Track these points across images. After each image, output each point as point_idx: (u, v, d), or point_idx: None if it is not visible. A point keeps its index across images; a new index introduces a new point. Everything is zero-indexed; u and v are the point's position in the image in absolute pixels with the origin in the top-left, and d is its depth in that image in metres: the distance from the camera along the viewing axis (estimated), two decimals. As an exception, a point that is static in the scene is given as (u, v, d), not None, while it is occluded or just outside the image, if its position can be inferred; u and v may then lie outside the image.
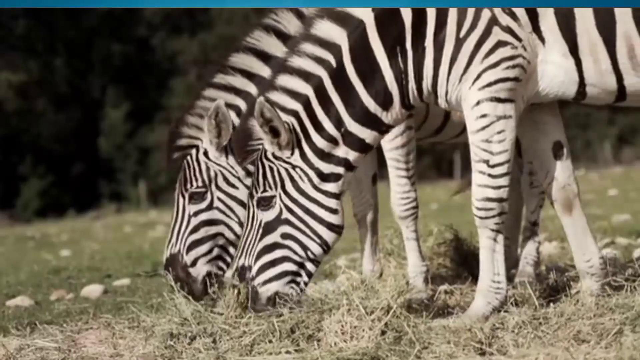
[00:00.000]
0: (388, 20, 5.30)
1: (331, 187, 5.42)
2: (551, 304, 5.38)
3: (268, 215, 5.41)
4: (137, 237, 17.96)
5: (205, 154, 6.34)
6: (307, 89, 5.38)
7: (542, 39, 5.22)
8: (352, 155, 5.42)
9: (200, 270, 6.27)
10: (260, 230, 5.40)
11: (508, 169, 5.30)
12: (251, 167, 5.73)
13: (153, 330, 5.32)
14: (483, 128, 5.25)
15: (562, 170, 5.51)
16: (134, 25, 45.33)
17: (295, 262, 5.39)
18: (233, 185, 6.32)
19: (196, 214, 6.32)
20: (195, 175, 6.33)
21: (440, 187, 25.88)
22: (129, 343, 5.44)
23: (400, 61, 5.31)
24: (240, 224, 6.19)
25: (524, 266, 7.04)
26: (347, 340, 4.85)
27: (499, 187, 5.31)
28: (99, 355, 5.33)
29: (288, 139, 5.35)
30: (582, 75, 5.24)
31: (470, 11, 5.22)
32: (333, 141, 5.39)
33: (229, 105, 6.25)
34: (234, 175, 6.31)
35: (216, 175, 6.33)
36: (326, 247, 5.43)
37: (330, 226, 5.41)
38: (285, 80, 5.40)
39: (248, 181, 6.15)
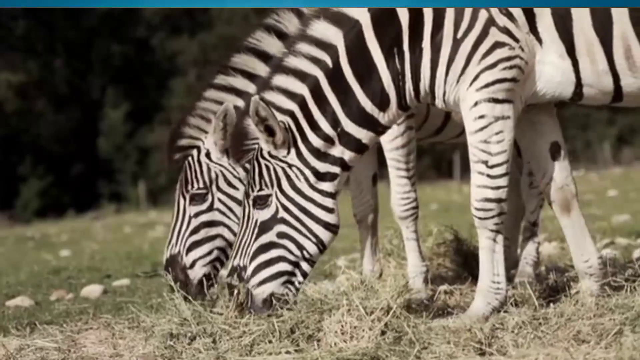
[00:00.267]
0: (385, 21, 5.30)
1: (327, 186, 5.42)
2: (551, 304, 5.38)
3: (264, 215, 5.41)
4: (137, 238, 17.96)
5: (207, 155, 6.34)
6: (303, 89, 5.38)
7: (539, 40, 5.23)
8: (347, 155, 5.42)
9: (198, 272, 6.27)
10: (256, 230, 5.40)
11: (507, 170, 5.30)
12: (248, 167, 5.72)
13: (153, 330, 5.32)
14: (481, 129, 5.26)
15: (560, 170, 5.51)
16: (133, 26, 45.34)
17: (291, 262, 5.38)
18: (234, 187, 6.32)
19: (197, 215, 6.32)
20: (196, 176, 6.33)
21: (440, 187, 25.90)
22: (129, 343, 5.44)
23: (397, 62, 5.32)
24: (241, 226, 6.18)
25: (523, 266, 7.05)
26: (347, 340, 4.85)
27: (498, 188, 5.31)
28: (99, 356, 5.33)
29: (284, 138, 5.35)
30: (579, 75, 5.25)
31: (468, 12, 5.22)
32: (329, 140, 5.39)
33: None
34: (235, 176, 6.31)
35: (217, 176, 6.33)
36: (322, 246, 5.42)
37: (326, 225, 5.41)
38: (281, 80, 5.40)
39: (249, 182, 6.14)
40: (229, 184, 6.31)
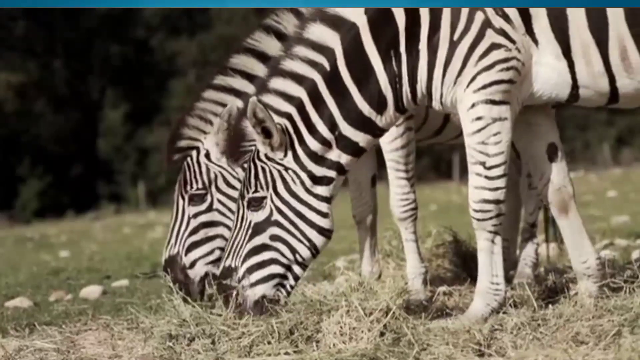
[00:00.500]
0: (382, 24, 5.30)
1: (323, 190, 5.42)
2: (550, 306, 5.39)
3: (258, 216, 5.40)
4: (136, 238, 17.96)
5: (207, 155, 6.34)
6: (300, 92, 5.38)
7: (535, 41, 5.24)
8: (344, 158, 5.42)
9: (198, 272, 6.27)
10: (249, 231, 5.39)
11: (505, 171, 5.31)
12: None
13: (152, 331, 5.32)
14: (479, 130, 5.26)
15: (557, 172, 5.52)
16: (132, 27, 45.35)
17: (283, 265, 5.37)
18: (233, 187, 6.32)
19: (196, 215, 6.32)
20: (195, 177, 6.33)
21: (439, 188, 25.91)
22: (128, 344, 5.44)
23: (394, 64, 5.32)
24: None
25: (522, 267, 7.05)
26: (346, 341, 4.85)
27: (496, 189, 5.31)
28: (98, 357, 5.33)
29: (281, 141, 5.35)
30: (575, 77, 5.26)
31: (464, 14, 5.23)
32: (326, 144, 5.39)
33: (229, 107, 6.26)
34: (234, 177, 6.32)
35: (216, 177, 6.33)
36: (315, 250, 5.42)
37: (320, 230, 5.40)
38: (278, 83, 5.40)
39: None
40: (228, 184, 6.32)
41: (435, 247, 7.40)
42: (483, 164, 5.29)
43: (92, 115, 43.27)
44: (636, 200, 16.43)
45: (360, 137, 5.40)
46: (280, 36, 6.17)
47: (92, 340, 5.62)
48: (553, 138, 5.54)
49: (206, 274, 6.29)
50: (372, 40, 5.31)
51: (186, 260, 6.29)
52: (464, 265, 7.21)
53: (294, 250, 5.37)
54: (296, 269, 5.40)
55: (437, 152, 37.25)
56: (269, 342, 4.96)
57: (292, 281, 5.40)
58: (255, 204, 5.39)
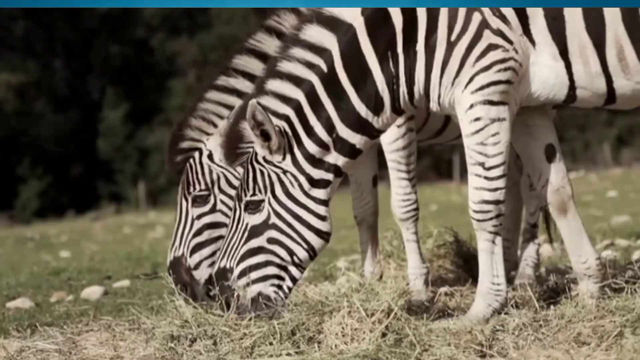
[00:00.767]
0: (379, 25, 5.30)
1: (321, 193, 5.42)
2: (551, 306, 5.39)
3: (255, 219, 5.40)
4: (137, 238, 17.97)
5: (209, 156, 6.34)
6: (298, 94, 5.38)
7: (532, 42, 5.24)
8: (341, 161, 5.43)
9: (204, 273, 6.27)
10: (246, 234, 5.39)
11: (504, 171, 5.31)
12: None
13: (153, 332, 5.32)
14: (477, 131, 5.26)
15: (556, 172, 5.52)
16: (132, 27, 45.35)
17: (279, 266, 5.37)
18: (236, 188, 6.31)
19: (199, 217, 6.32)
20: (198, 178, 6.33)
21: (439, 188, 25.91)
22: (130, 345, 5.44)
23: (391, 66, 5.31)
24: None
25: (523, 268, 7.05)
26: (348, 342, 4.85)
27: (496, 190, 5.31)
28: (100, 357, 5.33)
29: (279, 144, 5.35)
30: (572, 77, 5.26)
31: (461, 15, 5.23)
32: (324, 147, 5.39)
33: (231, 108, 6.25)
34: (236, 177, 6.31)
35: (219, 177, 6.33)
36: (313, 253, 5.42)
37: (318, 232, 5.41)
38: (276, 84, 5.39)
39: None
40: (231, 185, 6.31)
41: (436, 247, 7.39)
42: (482, 164, 5.29)
43: (92, 115, 43.27)
44: (636, 200, 16.43)
45: (357, 139, 5.40)
46: (281, 37, 6.17)
47: (93, 341, 5.62)
48: (551, 139, 5.54)
49: (211, 276, 6.28)
50: (369, 41, 5.31)
51: (191, 261, 6.29)
52: (465, 265, 7.21)
53: (291, 253, 5.38)
54: (293, 270, 5.40)
55: (438, 153, 37.27)
56: (271, 343, 4.96)
57: (289, 282, 5.39)
58: (253, 206, 5.39)
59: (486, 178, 5.30)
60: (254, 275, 5.34)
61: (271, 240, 5.37)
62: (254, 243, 5.37)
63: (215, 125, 6.36)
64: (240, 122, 5.45)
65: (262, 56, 6.23)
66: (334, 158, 5.40)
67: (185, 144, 6.39)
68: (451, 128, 6.74)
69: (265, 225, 5.38)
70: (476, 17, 5.21)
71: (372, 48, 5.31)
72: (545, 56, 5.24)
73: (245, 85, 6.29)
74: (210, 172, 6.33)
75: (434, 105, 5.38)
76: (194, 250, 6.29)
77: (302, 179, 5.39)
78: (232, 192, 6.30)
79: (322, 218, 5.41)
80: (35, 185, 40.31)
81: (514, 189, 7.07)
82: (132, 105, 42.95)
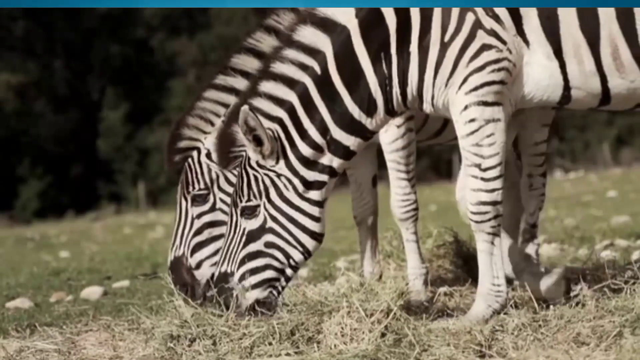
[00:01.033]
0: (372, 26, 5.30)
1: (315, 195, 5.43)
2: (551, 307, 5.39)
3: (252, 224, 5.42)
4: (137, 239, 17.97)
5: (208, 155, 6.33)
6: (291, 96, 5.38)
7: (526, 42, 5.24)
8: (336, 162, 5.43)
9: (205, 272, 6.27)
10: (244, 238, 5.42)
11: (500, 172, 5.31)
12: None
13: (153, 332, 5.32)
14: (472, 132, 5.26)
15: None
16: (132, 27, 45.33)
17: (277, 269, 5.43)
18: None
19: (199, 216, 6.32)
20: (197, 177, 6.33)
21: (438, 188, 25.89)
22: (129, 345, 5.44)
23: (384, 67, 5.31)
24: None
25: (523, 268, 7.03)
26: (347, 342, 4.85)
27: (493, 190, 5.32)
28: (99, 357, 5.33)
29: (271, 148, 5.36)
30: (567, 77, 5.26)
31: (455, 15, 5.23)
32: (318, 149, 5.39)
33: (229, 107, 6.24)
34: (235, 176, 6.30)
35: (218, 176, 6.33)
36: (307, 255, 5.48)
37: (312, 234, 5.43)
38: (269, 86, 5.40)
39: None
40: (230, 183, 6.31)
41: (436, 247, 7.39)
42: (478, 165, 5.29)
43: (92, 115, 43.25)
44: (636, 200, 16.42)
45: (351, 141, 5.41)
46: (280, 36, 6.16)
47: (93, 341, 5.62)
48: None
49: (212, 276, 6.28)
50: (362, 42, 5.31)
51: (192, 261, 6.29)
52: (465, 265, 7.21)
53: (288, 256, 5.42)
54: (288, 272, 5.47)
55: (437, 153, 37.24)
56: (270, 343, 4.96)
57: (283, 282, 5.47)
58: (249, 212, 5.42)
59: (483, 179, 5.30)
60: (254, 279, 5.36)
61: (268, 245, 5.40)
62: (252, 247, 5.41)
63: (213, 124, 6.36)
64: (232, 125, 5.45)
65: (260, 55, 6.23)
66: (328, 160, 5.41)
67: (183, 143, 6.39)
68: (450, 128, 6.71)
69: (262, 230, 5.41)
70: (469, 18, 5.21)
71: (366, 49, 5.31)
72: (539, 56, 5.24)
73: (244, 85, 6.29)
74: (209, 170, 6.33)
75: (427, 107, 5.38)
76: (195, 249, 6.29)
77: (296, 181, 5.40)
78: (232, 190, 6.30)
79: (316, 220, 5.43)
80: (35, 186, 40.30)
81: (513, 190, 7.06)
82: (132, 105, 42.94)
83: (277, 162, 5.39)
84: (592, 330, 4.83)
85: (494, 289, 5.36)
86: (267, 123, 5.35)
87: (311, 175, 5.42)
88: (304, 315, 5.05)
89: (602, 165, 34.65)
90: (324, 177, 5.43)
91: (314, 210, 5.42)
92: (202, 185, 6.32)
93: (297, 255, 5.43)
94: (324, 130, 5.37)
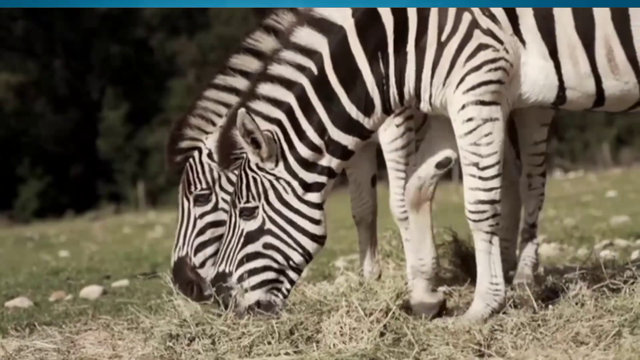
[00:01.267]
0: (369, 26, 5.31)
1: (314, 197, 5.44)
2: (550, 306, 5.39)
3: (250, 225, 5.43)
4: (136, 238, 17.97)
5: (209, 155, 6.33)
6: (289, 97, 5.38)
7: (522, 41, 5.25)
8: (334, 163, 5.44)
9: (209, 271, 6.26)
10: (242, 239, 5.42)
11: (498, 171, 5.32)
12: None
13: (152, 331, 5.32)
14: (470, 132, 5.27)
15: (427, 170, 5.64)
16: (132, 27, 45.33)
17: (277, 271, 5.41)
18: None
19: (202, 216, 6.32)
20: (198, 177, 6.33)
21: (438, 188, 25.86)
22: (128, 344, 5.44)
23: (381, 66, 5.32)
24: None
25: (522, 268, 7.03)
26: (346, 341, 4.85)
27: (491, 190, 5.32)
28: (98, 357, 5.34)
29: (270, 151, 5.36)
30: (562, 78, 5.27)
31: (451, 15, 5.24)
32: (317, 150, 5.40)
33: (229, 106, 6.25)
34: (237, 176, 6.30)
35: (219, 176, 6.33)
36: (308, 257, 5.46)
37: (312, 237, 5.43)
38: (267, 88, 5.41)
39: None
40: (232, 183, 6.31)
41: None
42: (476, 165, 5.29)
43: (92, 115, 43.25)
44: (636, 200, 16.42)
45: (348, 141, 5.41)
46: (279, 36, 6.17)
47: (92, 340, 5.62)
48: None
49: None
50: (359, 42, 5.32)
51: (195, 260, 6.29)
52: (464, 265, 7.20)
53: (287, 258, 5.41)
54: (290, 273, 5.45)
55: (437, 152, 37.20)
56: (269, 343, 4.96)
57: (287, 285, 5.44)
58: (247, 213, 5.42)
59: (481, 178, 5.31)
60: (253, 280, 5.36)
61: (267, 246, 5.40)
62: (251, 248, 5.41)
63: (214, 124, 6.36)
64: (232, 127, 5.46)
65: (260, 55, 6.23)
66: (327, 160, 5.42)
67: (184, 144, 6.39)
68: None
69: (260, 231, 5.41)
70: (466, 17, 5.22)
71: (362, 49, 5.32)
72: (535, 56, 5.25)
73: (244, 84, 6.29)
74: (211, 170, 6.33)
75: (425, 106, 5.39)
76: (198, 249, 6.30)
77: (295, 184, 5.40)
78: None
79: (316, 222, 5.42)
80: (34, 185, 40.29)
81: (513, 189, 7.06)
82: (131, 105, 42.93)
83: (276, 165, 5.40)
84: (591, 330, 4.84)
85: (492, 288, 5.37)
86: (266, 125, 5.35)
87: (310, 177, 5.42)
88: (303, 315, 5.06)
89: (601, 165, 34.65)
90: (322, 179, 5.44)
91: (314, 213, 5.42)
92: (204, 185, 6.32)
93: (297, 258, 5.42)
94: (322, 130, 5.38)
